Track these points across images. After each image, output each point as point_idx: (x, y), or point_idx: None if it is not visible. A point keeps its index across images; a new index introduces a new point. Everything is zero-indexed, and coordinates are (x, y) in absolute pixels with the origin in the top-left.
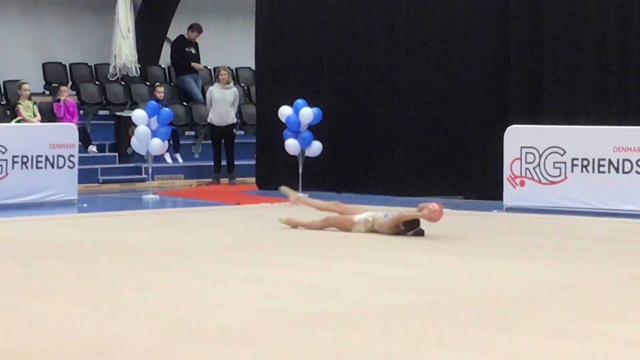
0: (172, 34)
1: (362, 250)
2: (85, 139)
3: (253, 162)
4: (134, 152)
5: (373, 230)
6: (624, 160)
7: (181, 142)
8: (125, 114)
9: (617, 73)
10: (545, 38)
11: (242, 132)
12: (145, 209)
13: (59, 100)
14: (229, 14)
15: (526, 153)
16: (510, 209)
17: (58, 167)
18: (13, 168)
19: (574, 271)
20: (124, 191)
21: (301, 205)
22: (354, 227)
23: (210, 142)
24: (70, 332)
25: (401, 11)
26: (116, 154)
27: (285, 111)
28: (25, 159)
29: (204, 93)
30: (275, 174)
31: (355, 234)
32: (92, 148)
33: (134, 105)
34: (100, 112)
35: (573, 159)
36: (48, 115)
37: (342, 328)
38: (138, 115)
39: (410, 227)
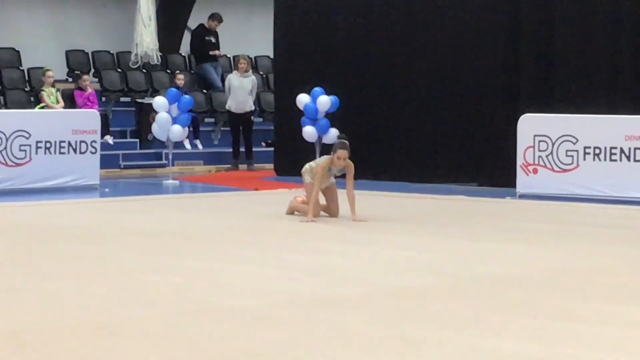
0: (193, 22)
1: (375, 235)
2: (103, 128)
3: (271, 148)
4: (154, 138)
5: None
6: (635, 148)
7: (201, 128)
8: (146, 101)
9: (629, 62)
10: (557, 27)
11: (261, 120)
12: (165, 194)
13: (81, 89)
14: (249, 3)
15: (539, 141)
16: (524, 196)
17: (80, 153)
18: (37, 153)
19: (585, 256)
20: (144, 176)
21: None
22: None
23: (229, 128)
24: (87, 312)
25: (417, 1)
26: (137, 140)
27: (303, 99)
28: (48, 145)
29: (223, 80)
30: (292, 160)
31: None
32: (109, 139)
33: (155, 93)
34: (122, 99)
35: (585, 147)
36: (68, 102)
37: (355, 310)
38: (159, 102)
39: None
